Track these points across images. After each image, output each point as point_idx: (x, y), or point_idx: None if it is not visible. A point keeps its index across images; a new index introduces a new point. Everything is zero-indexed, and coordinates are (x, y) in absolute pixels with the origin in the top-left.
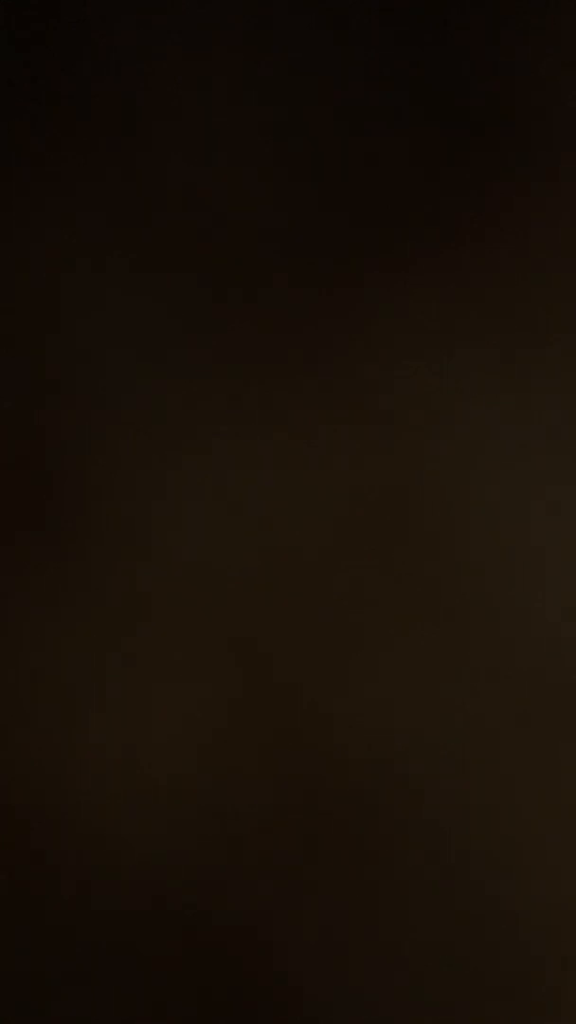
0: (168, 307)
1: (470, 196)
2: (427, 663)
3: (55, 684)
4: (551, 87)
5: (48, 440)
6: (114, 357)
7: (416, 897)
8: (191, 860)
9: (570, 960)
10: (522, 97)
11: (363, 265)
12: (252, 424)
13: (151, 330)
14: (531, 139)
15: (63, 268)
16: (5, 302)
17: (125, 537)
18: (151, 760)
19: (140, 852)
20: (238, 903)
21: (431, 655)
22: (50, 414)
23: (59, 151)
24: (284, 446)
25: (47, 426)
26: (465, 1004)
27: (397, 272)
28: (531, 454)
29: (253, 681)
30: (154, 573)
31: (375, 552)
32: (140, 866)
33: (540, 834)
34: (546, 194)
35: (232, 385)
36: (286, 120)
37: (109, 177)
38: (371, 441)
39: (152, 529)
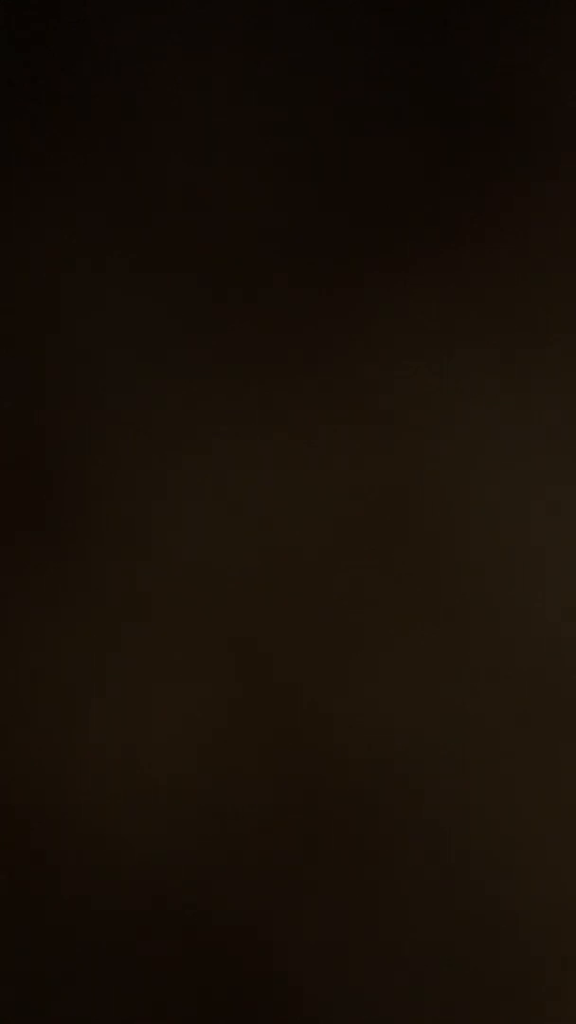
0: (168, 307)
1: (470, 196)
2: (427, 663)
3: (55, 684)
4: (551, 87)
5: (48, 440)
6: (114, 357)
7: (416, 897)
8: (191, 860)
9: (570, 960)
10: (522, 97)
11: (363, 265)
12: (252, 424)
13: (151, 330)
14: (531, 139)
15: (63, 268)
16: (5, 302)
17: (125, 537)
18: (151, 760)
19: (140, 852)
20: (238, 903)
21: (431, 655)
22: (50, 414)
23: (59, 151)
24: (284, 446)
25: (47, 426)
26: (465, 1004)
27: (397, 272)
28: (531, 454)
29: (253, 681)
30: (154, 573)
31: (375, 552)
32: (140, 866)
33: (540, 834)
34: (546, 194)
35: (232, 385)
36: (286, 120)
37: (109, 177)
38: (371, 441)
39: (152, 529)
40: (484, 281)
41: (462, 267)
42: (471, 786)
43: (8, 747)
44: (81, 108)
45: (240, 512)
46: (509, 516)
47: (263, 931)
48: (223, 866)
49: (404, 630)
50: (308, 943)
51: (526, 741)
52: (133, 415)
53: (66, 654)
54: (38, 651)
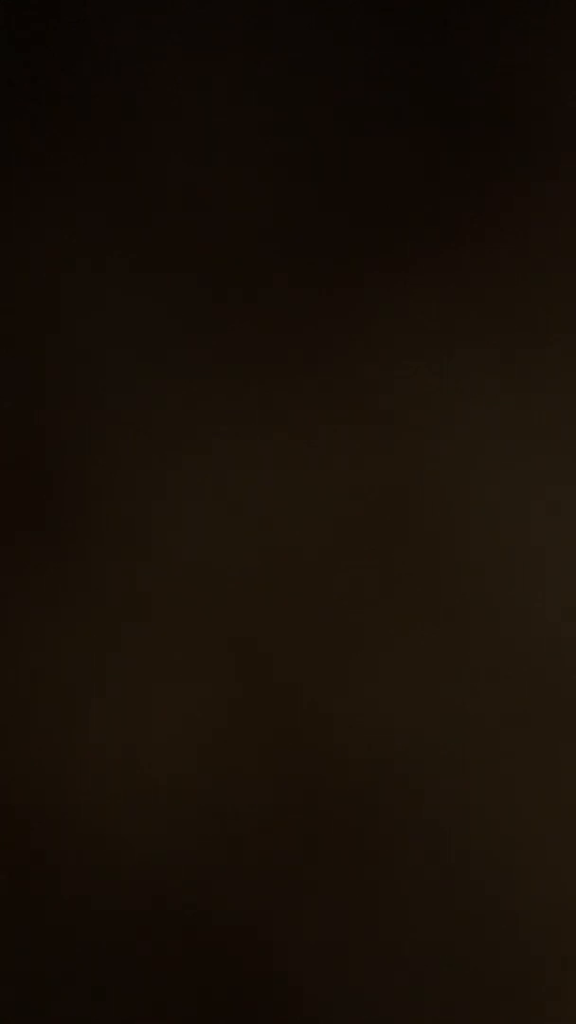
0: (168, 307)
1: (470, 196)
2: (427, 663)
3: (55, 684)
4: (551, 87)
5: (48, 440)
6: (114, 357)
7: (416, 897)
8: (191, 860)
9: (570, 960)
10: (522, 97)
11: (363, 265)
12: (252, 424)
13: (151, 330)
14: (531, 139)
15: (63, 268)
16: (5, 302)
17: (125, 537)
18: (151, 760)
19: (140, 852)
20: (238, 903)
21: (431, 655)
22: (50, 414)
23: (59, 151)
24: (284, 446)
25: (47, 426)
26: (465, 1004)
27: (397, 272)
28: (531, 454)
29: (253, 681)
30: (154, 573)
31: (375, 552)
32: (140, 866)
33: (540, 834)
34: (546, 194)
35: (232, 385)
36: (286, 120)
37: (109, 177)
38: (371, 441)
39: (152, 529)
40: (484, 281)
41: (462, 267)
42: (471, 786)
43: (8, 747)
44: (81, 108)
45: (240, 512)
46: (509, 516)
47: (263, 931)
48: (223, 866)
49: (404, 630)
50: (308, 943)
51: (526, 741)
52: (133, 415)
53: (66, 654)
54: (38, 651)
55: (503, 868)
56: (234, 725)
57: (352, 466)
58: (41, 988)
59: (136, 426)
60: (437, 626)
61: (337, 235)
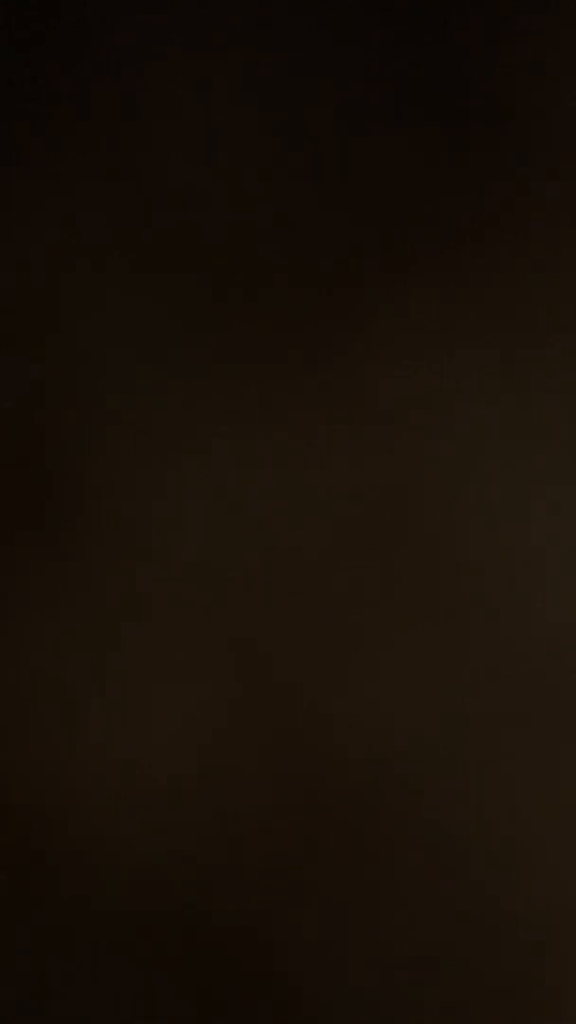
0: (168, 307)
1: (470, 196)
2: (427, 663)
3: (55, 684)
4: (551, 87)
5: (48, 440)
6: (114, 357)
7: (416, 897)
8: (191, 860)
9: (570, 960)
10: (522, 97)
11: (363, 265)
12: (252, 424)
13: (151, 330)
14: (531, 139)
15: (63, 268)
16: (5, 302)
17: (125, 537)
18: (151, 760)
19: (140, 852)
20: (238, 903)
21: (431, 655)
22: (50, 414)
23: (59, 151)
24: (284, 446)
25: (47, 426)
26: (465, 1004)
27: (397, 272)
28: (531, 454)
29: (253, 681)
30: (154, 573)
31: (375, 552)
32: (140, 866)
33: (540, 834)
34: (546, 194)
35: (232, 385)
36: (286, 120)
37: (109, 177)
38: (371, 441)
39: (152, 529)
40: (484, 281)
41: (462, 267)
42: (471, 786)
43: (8, 747)
44: (81, 108)
45: (240, 512)
46: (509, 516)
47: (263, 931)
48: (223, 866)
49: (404, 630)
50: (308, 943)
51: (526, 741)
52: (133, 415)
53: (66, 654)
54: (38, 651)
55: (503, 868)
56: (234, 725)
57: (352, 466)
58: (41, 988)
59: (136, 426)
60: (437, 626)
61: (337, 235)
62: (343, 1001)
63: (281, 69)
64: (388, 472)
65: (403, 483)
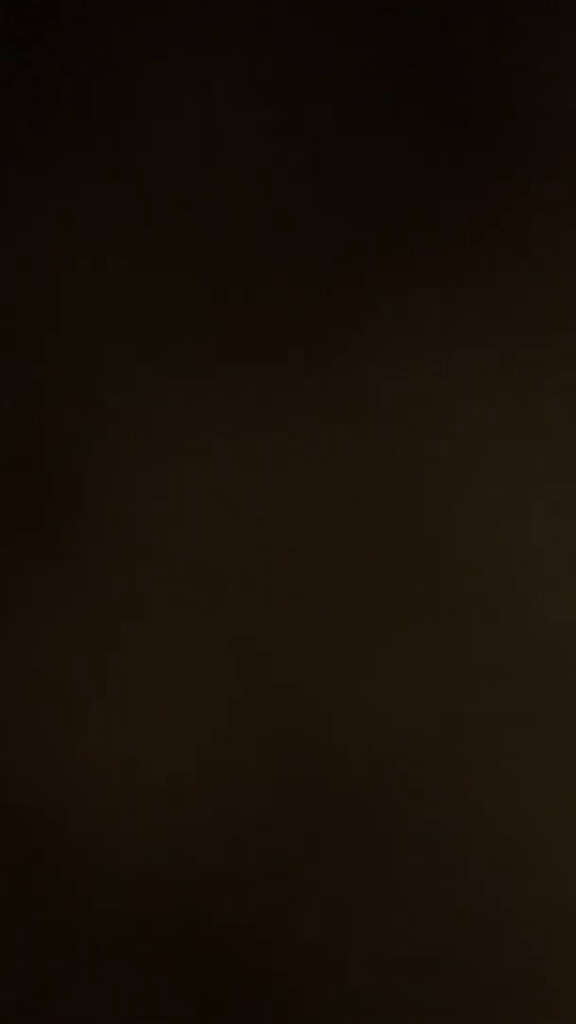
0: (168, 307)
1: (470, 196)
2: (427, 663)
3: (55, 684)
4: (551, 87)
5: (48, 440)
6: (114, 357)
7: (416, 897)
8: (191, 860)
9: (570, 960)
10: (522, 97)
11: (363, 265)
12: (252, 424)
13: (151, 330)
14: (531, 139)
15: (63, 268)
16: (5, 302)
17: (125, 537)
18: (151, 760)
19: (140, 852)
20: (238, 903)
21: (431, 655)
22: (50, 414)
23: (59, 151)
24: (284, 446)
25: (47, 426)
26: (465, 1004)
27: (397, 272)
28: (531, 454)
29: (253, 681)
30: (154, 573)
31: (375, 552)
32: (140, 866)
33: (540, 834)
34: (546, 194)
35: (232, 385)
36: (286, 120)
37: (109, 177)
38: (371, 441)
39: (152, 529)
40: (484, 281)
41: (462, 267)
42: (471, 786)
43: (8, 747)
44: (81, 108)
45: (240, 512)
46: (509, 516)
47: (263, 931)
48: (223, 866)
49: (404, 630)
50: (308, 943)
51: (526, 741)
52: (133, 415)
53: (66, 654)
54: (38, 651)
55: (503, 868)
56: (234, 725)
57: (352, 466)
58: (41, 988)
59: (136, 426)
60: (437, 626)
61: (337, 235)
62: (343, 1001)
63: (281, 69)
64: (388, 472)
65: (403, 483)
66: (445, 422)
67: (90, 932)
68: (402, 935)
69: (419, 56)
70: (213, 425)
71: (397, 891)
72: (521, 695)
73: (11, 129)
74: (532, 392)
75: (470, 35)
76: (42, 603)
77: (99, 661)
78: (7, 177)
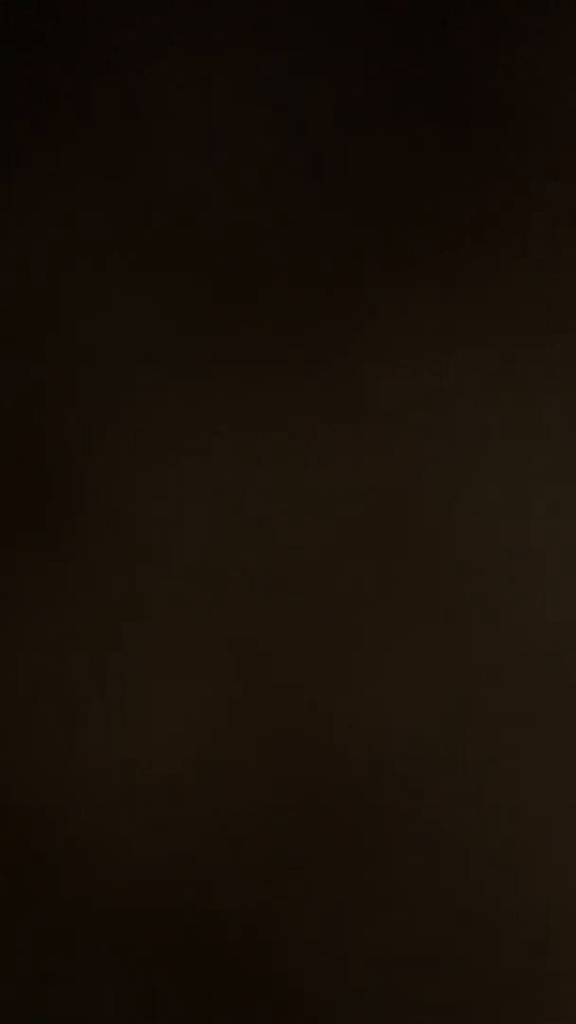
0: (168, 307)
1: (470, 196)
2: (427, 663)
3: (55, 684)
4: (551, 87)
5: (48, 440)
6: (114, 357)
7: (416, 897)
8: (191, 860)
9: (570, 960)
10: (522, 97)
11: (363, 265)
12: (252, 424)
13: (151, 330)
14: (531, 139)
15: (63, 268)
16: (5, 302)
17: (125, 537)
18: (151, 760)
19: (140, 852)
20: (238, 903)
21: (431, 655)
22: (50, 414)
23: (59, 151)
24: (284, 446)
25: (47, 426)
26: (465, 1004)
27: (397, 272)
28: (531, 454)
29: (253, 681)
30: (154, 573)
31: (375, 552)
32: (140, 866)
33: (540, 834)
34: (546, 194)
35: (232, 385)
36: (286, 120)
37: (109, 177)
38: (371, 441)
39: (152, 529)
40: (484, 281)
41: (462, 267)
42: (471, 786)
43: (8, 747)
44: (81, 108)
45: (240, 512)
46: (509, 516)
47: (263, 931)
48: (223, 866)
49: (404, 630)
50: (308, 943)
51: (526, 741)
52: (133, 415)
53: (66, 654)
54: (38, 651)
55: (503, 868)
56: (234, 725)
57: (352, 466)
58: (41, 988)
59: (136, 426)
60: (437, 626)
61: (337, 235)
62: (343, 1001)
63: (281, 69)
64: (388, 472)
65: (403, 483)
66: (445, 422)
67: (90, 932)
68: (402, 935)
69: (419, 56)
70: (213, 425)
71: (397, 891)
72: (521, 695)
73: (11, 129)
74: (532, 392)
75: (470, 35)
76: (42, 603)
77: (99, 661)
78: (7, 177)
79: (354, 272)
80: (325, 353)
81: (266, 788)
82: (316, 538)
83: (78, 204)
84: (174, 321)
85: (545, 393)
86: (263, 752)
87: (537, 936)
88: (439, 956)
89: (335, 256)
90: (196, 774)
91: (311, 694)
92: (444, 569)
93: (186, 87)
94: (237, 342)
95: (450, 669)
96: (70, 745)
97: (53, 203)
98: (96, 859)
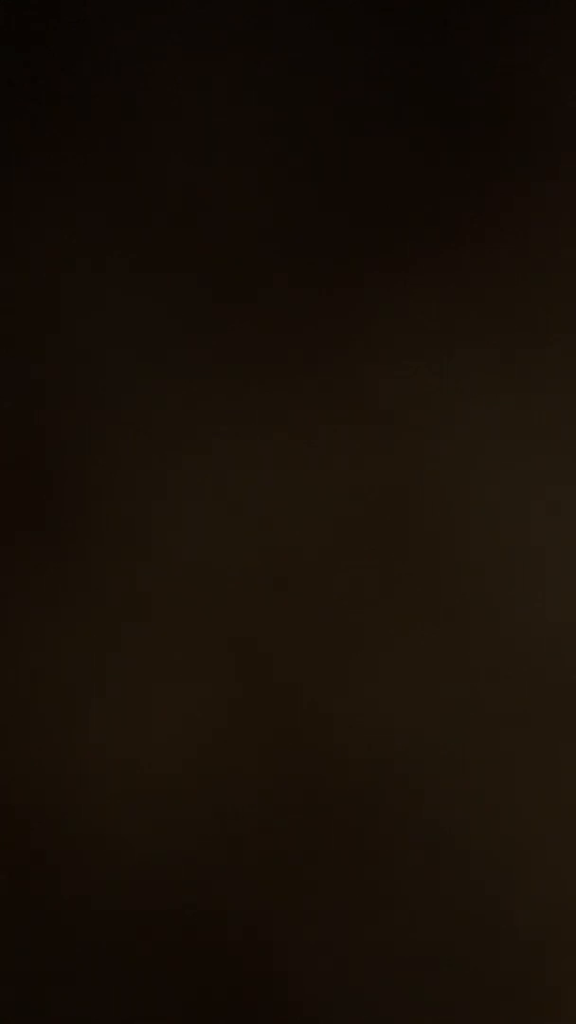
0: (168, 307)
1: (470, 196)
2: (427, 663)
3: (55, 684)
4: (551, 87)
5: (48, 440)
6: (114, 357)
7: (416, 897)
8: (191, 860)
9: (570, 960)
10: (522, 97)
11: (363, 265)
12: (252, 424)
13: (151, 330)
14: (531, 139)
15: (63, 268)
16: (5, 302)
17: (125, 537)
18: (151, 760)
19: (140, 852)
20: (238, 903)
21: (431, 655)
22: (50, 414)
23: (59, 151)
24: (284, 446)
25: (47, 426)
26: (465, 1004)
27: (397, 272)
28: (531, 454)
29: (253, 681)
30: (154, 573)
31: (375, 552)
32: (140, 866)
33: (540, 834)
34: (546, 194)
35: (232, 385)
36: (286, 120)
37: (109, 177)
38: (371, 441)
39: (152, 529)
40: (484, 281)
41: (462, 267)
42: (471, 786)
43: (8, 747)
44: (81, 108)
45: (240, 512)
46: (509, 516)
47: (263, 931)
48: (223, 866)
49: (404, 630)
50: (308, 943)
51: (526, 741)
52: (133, 415)
53: (66, 654)
54: (38, 651)
55: (503, 868)
56: (234, 725)
57: (352, 466)
58: (41, 988)
59: (136, 426)
60: (437, 626)
61: (337, 235)
62: (343, 1001)
63: (281, 69)
64: (388, 472)
65: (403, 483)
66: (445, 422)
67: (90, 932)
68: (402, 935)
69: (419, 56)
70: (213, 425)
71: (397, 891)
72: (521, 695)
73: (11, 129)
74: (532, 392)
75: (470, 35)
76: (42, 603)
77: (99, 661)
78: (7, 177)
79: (354, 272)
80: (325, 353)
81: (266, 788)
82: (316, 538)
83: (78, 204)
84: (174, 321)
85: (545, 393)
86: (263, 752)
87: (537, 936)
88: (439, 956)
89: (335, 256)
90: (196, 774)
91: (311, 694)
92: (444, 569)
93: (186, 87)
94: (237, 342)
95: (450, 669)
96: (70, 745)
97: (53, 203)
98: (96, 859)
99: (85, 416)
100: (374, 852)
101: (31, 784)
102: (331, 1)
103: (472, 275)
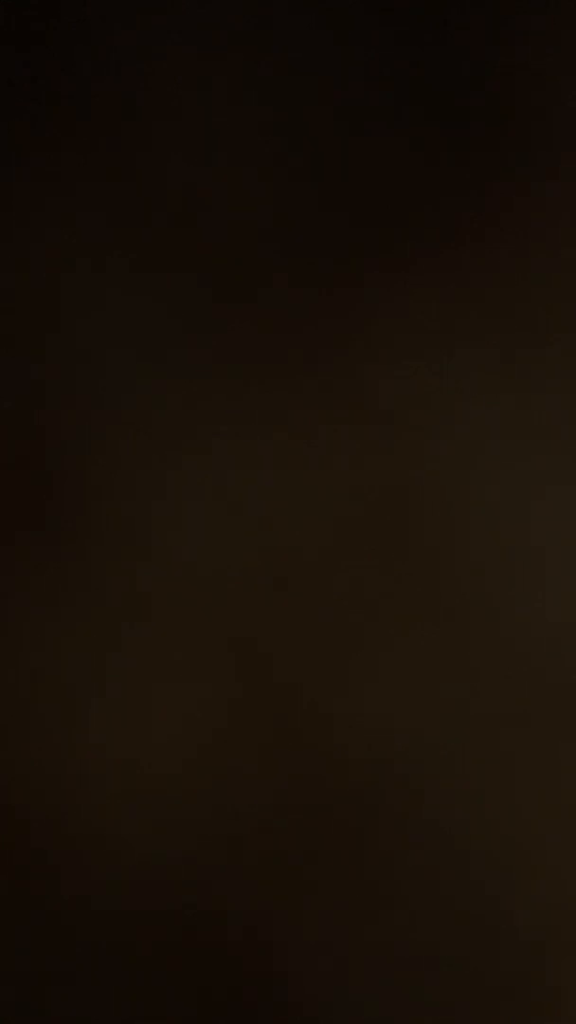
0: (168, 307)
1: (470, 196)
2: (427, 663)
3: (55, 684)
4: (551, 87)
5: (48, 440)
6: (114, 357)
7: (416, 897)
8: (191, 860)
9: (570, 960)
10: (522, 97)
11: (363, 265)
12: (252, 424)
13: (151, 330)
14: (531, 139)
15: (63, 268)
16: (5, 302)
17: (125, 537)
18: (151, 760)
19: (140, 852)
20: (238, 903)
21: (431, 655)
22: (50, 414)
23: (59, 151)
24: (284, 446)
25: (47, 426)
26: (465, 1004)
27: (397, 272)
28: (531, 454)
29: (253, 681)
30: (154, 573)
31: (375, 552)
32: (140, 866)
33: (540, 834)
34: (546, 194)
35: (232, 385)
36: (286, 120)
37: (109, 177)
38: (371, 441)
39: (152, 529)
40: (484, 281)
41: (462, 267)
42: (471, 786)
43: (8, 747)
44: (81, 108)
45: (240, 512)
46: (509, 516)
47: (263, 931)
48: (223, 866)
49: (404, 630)
50: (308, 943)
51: (526, 741)
52: (133, 415)
53: (66, 654)
54: (38, 651)
55: (503, 868)
56: (234, 725)
57: (352, 466)
58: (41, 988)
59: (136, 426)
60: (437, 626)
61: (337, 235)
62: (343, 1001)
63: (281, 69)
64: (388, 472)
65: (403, 483)
66: (445, 422)
67: (90, 932)
68: (402, 935)
69: (419, 56)
70: (213, 425)
71: (397, 891)
72: (521, 695)
73: (11, 129)
74: (532, 392)
75: (470, 35)
76: (42, 603)
77: (99, 661)
78: (7, 177)
79: (354, 272)
80: (325, 353)
81: (266, 788)
82: (316, 538)
83: (78, 204)
84: (174, 321)
85: (545, 393)
86: (263, 752)
87: (537, 936)
88: (439, 956)
89: (335, 256)
90: (196, 774)
91: (311, 694)
92: (444, 569)
93: (186, 87)
94: (237, 342)
95: (450, 669)
96: (70, 745)
97: (53, 203)
98: (96, 859)
99: (85, 416)
100: (374, 852)
101: (31, 784)
102: (331, 1)
103: (472, 275)
